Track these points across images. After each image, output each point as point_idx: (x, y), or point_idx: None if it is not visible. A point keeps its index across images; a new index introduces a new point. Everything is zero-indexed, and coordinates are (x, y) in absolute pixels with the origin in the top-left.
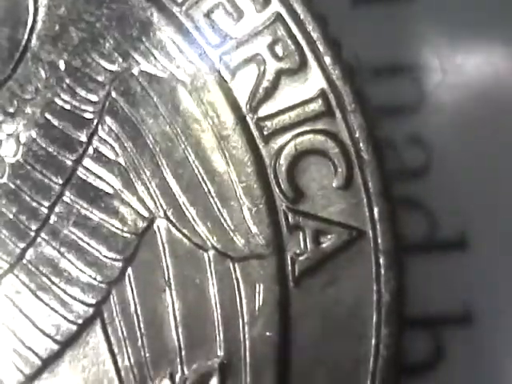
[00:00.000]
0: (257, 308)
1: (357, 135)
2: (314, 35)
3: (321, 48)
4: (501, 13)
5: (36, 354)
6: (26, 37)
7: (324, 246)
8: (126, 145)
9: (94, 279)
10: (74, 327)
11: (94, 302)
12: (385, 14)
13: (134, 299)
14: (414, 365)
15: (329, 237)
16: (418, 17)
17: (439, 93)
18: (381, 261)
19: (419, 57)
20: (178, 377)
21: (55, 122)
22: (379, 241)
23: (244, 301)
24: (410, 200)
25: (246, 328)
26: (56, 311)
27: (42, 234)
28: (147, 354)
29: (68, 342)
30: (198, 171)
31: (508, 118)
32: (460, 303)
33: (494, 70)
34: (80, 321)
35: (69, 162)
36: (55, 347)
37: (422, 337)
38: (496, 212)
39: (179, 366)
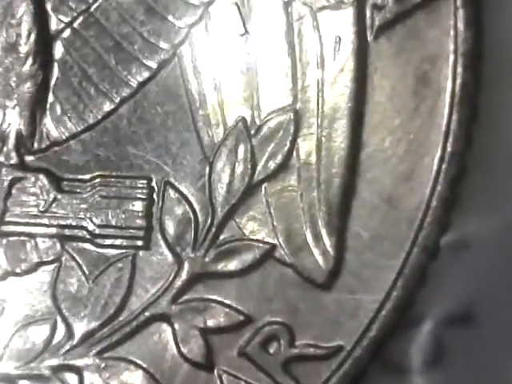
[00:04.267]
0: (334, 59)
1: None
2: None
3: None
4: None
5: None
6: None
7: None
8: None
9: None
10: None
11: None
12: None
13: (210, 45)
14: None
15: None
16: None
17: None
18: (459, 21)
19: None
20: (249, 121)
21: None
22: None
23: (322, 51)
24: None
25: (323, 77)
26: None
27: None
28: (224, 98)
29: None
30: None
31: None
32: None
33: None
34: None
35: None
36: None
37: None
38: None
39: (254, 112)
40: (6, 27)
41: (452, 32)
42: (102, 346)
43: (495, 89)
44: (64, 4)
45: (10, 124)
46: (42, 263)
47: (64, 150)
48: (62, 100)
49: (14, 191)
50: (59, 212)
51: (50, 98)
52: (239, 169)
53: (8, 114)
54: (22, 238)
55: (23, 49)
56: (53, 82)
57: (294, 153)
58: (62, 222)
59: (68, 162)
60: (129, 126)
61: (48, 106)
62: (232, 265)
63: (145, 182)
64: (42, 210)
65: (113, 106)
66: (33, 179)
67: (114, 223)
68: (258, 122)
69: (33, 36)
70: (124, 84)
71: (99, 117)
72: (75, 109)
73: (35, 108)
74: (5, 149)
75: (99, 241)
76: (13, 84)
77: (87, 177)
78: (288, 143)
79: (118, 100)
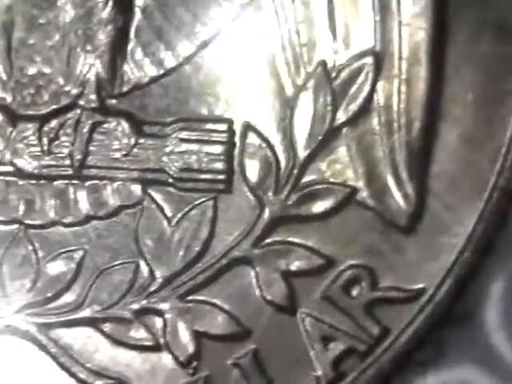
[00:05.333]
0: (414, 3)
1: None
2: None
3: None
4: None
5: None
6: None
7: None
8: None
9: None
10: None
11: None
12: None
13: None
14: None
15: None
16: None
17: None
18: None
19: None
20: (330, 67)
21: None
22: None
23: None
24: None
25: (402, 20)
26: None
27: None
28: (302, 41)
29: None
30: None
31: None
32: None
33: None
34: None
35: None
36: None
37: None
38: None
39: (335, 56)
40: None
41: None
42: (185, 290)
43: None
44: None
45: (90, 68)
46: (123, 207)
47: (145, 93)
48: (142, 44)
49: (95, 135)
50: (141, 156)
51: (131, 43)
52: (320, 112)
53: (88, 58)
54: (104, 181)
55: None
56: (134, 27)
57: (375, 96)
58: (144, 166)
59: (149, 105)
60: (209, 70)
61: (129, 50)
62: (313, 208)
63: (226, 125)
64: (123, 153)
65: (193, 50)
66: (114, 123)
67: (195, 166)
68: (338, 66)
69: None
70: (204, 27)
71: (180, 60)
72: (156, 53)
73: (115, 52)
74: (85, 92)
75: (181, 184)
76: (93, 28)
77: (168, 120)
78: (368, 86)
79: (198, 43)
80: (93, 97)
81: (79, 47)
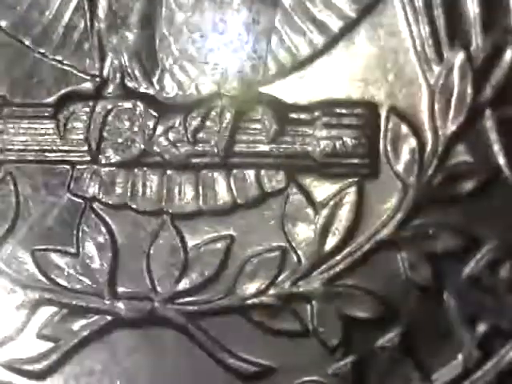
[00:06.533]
0: None
1: None
2: None
3: None
4: None
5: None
6: None
7: None
8: None
9: None
10: None
11: None
12: None
13: None
14: None
15: None
16: None
17: None
18: None
19: None
20: (472, 49)
21: None
22: None
23: None
24: None
25: None
26: None
27: None
28: (442, 25)
29: (364, 12)
30: None
31: None
32: None
33: None
34: None
35: None
36: (352, 16)
37: None
38: None
39: (473, 37)
40: None
41: None
42: (332, 274)
43: None
44: None
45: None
46: (269, 194)
47: (287, 80)
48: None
49: (240, 123)
50: (285, 142)
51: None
52: (462, 94)
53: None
54: (250, 169)
55: None
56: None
57: None
58: (289, 152)
59: (292, 92)
60: (352, 56)
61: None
62: (458, 189)
63: (370, 109)
64: (268, 140)
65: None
66: (259, 110)
67: (340, 151)
68: (478, 47)
69: None
70: (341, 18)
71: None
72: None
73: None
74: (228, 80)
75: (326, 170)
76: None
77: (311, 106)
78: (509, 67)
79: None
80: (235, 84)
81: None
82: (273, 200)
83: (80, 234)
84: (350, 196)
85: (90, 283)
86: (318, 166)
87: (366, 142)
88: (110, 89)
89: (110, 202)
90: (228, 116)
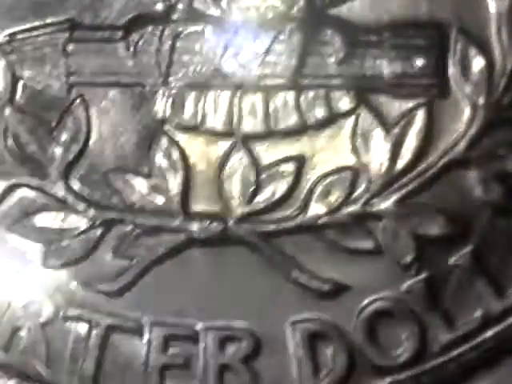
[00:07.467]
0: None
1: None
2: None
3: None
4: None
5: None
6: None
7: None
8: None
9: None
10: None
11: None
12: None
13: None
14: None
15: None
16: None
17: None
18: None
19: None
20: None
21: None
22: None
23: None
24: None
25: None
26: None
27: None
28: None
29: None
30: None
31: None
32: None
33: None
34: None
35: None
36: None
37: None
38: None
39: None
40: None
41: None
42: (404, 193)
43: None
44: None
45: None
46: (339, 115)
47: (356, 3)
48: None
49: (310, 46)
50: (354, 63)
51: None
52: None
53: None
54: (320, 90)
55: None
56: None
57: None
58: (358, 73)
59: (361, 14)
60: None
61: None
62: None
63: (439, 30)
64: (338, 62)
65: None
66: (329, 32)
67: (408, 73)
68: None
69: None
70: None
71: None
72: None
73: None
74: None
75: (396, 90)
76: None
77: (377, 27)
78: None
79: None
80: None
81: None
82: (343, 121)
83: (152, 154)
84: (420, 116)
85: (162, 203)
86: (387, 87)
87: (434, 63)
88: (179, 11)
89: (182, 124)
90: (297, 38)
